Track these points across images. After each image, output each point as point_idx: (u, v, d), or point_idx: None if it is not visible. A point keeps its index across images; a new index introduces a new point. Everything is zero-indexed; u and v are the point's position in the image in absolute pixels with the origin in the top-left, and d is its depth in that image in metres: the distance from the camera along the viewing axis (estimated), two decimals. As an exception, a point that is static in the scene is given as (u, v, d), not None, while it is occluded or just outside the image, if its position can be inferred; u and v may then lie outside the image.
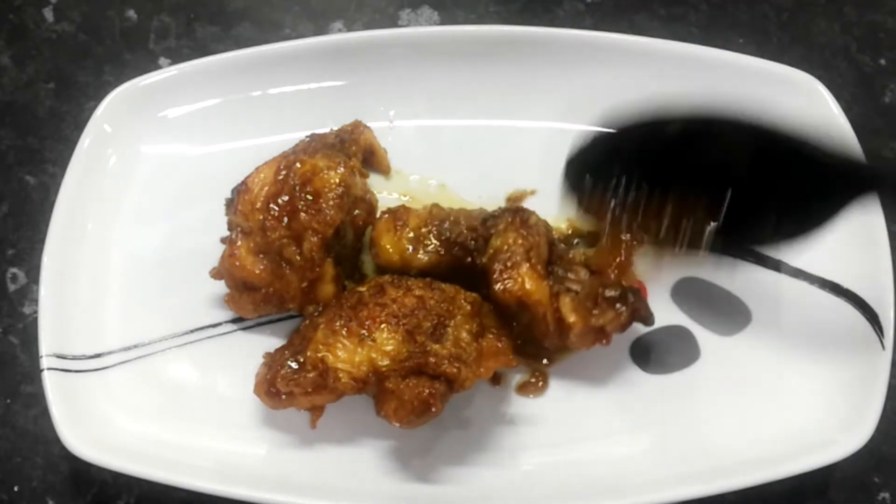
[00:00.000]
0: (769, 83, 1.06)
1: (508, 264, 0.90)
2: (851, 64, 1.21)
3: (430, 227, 0.97)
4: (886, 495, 0.96)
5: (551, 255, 0.95)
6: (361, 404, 0.90)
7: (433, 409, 0.83)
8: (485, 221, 0.96)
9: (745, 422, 0.93)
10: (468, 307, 0.90)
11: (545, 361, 0.97)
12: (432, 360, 0.84)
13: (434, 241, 0.96)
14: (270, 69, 1.08)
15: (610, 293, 0.91)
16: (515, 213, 0.94)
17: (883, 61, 1.22)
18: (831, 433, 0.89)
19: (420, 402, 0.82)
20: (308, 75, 1.09)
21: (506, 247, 0.91)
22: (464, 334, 0.88)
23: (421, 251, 0.96)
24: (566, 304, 0.89)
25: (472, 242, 0.95)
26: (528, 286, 0.88)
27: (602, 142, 0.90)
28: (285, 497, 0.85)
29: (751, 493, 0.87)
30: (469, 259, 0.95)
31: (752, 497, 0.90)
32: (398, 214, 0.99)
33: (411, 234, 0.96)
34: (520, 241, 0.91)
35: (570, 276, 0.93)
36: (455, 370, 0.83)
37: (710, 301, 1.00)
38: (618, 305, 0.90)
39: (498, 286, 0.89)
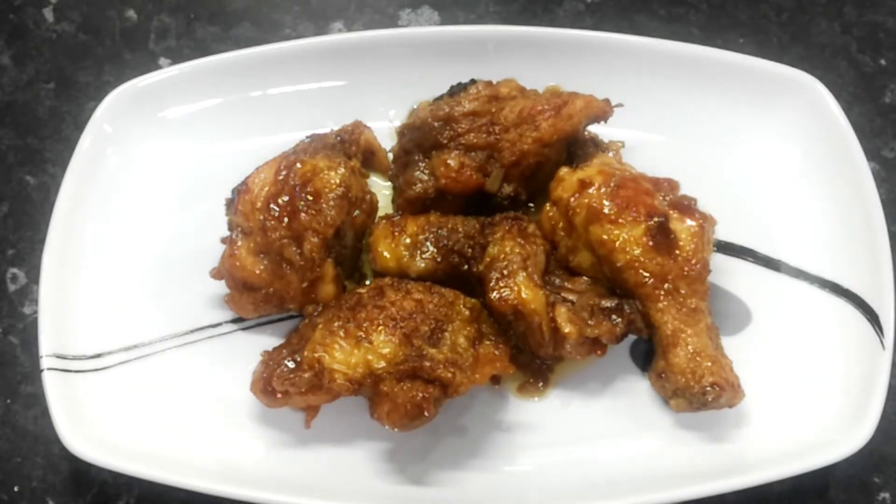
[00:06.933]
0: (769, 83, 1.06)
1: (505, 273, 0.89)
2: (851, 64, 1.21)
3: (427, 234, 0.96)
4: (886, 495, 0.96)
5: (548, 264, 0.95)
6: (362, 406, 0.90)
7: (426, 414, 0.82)
8: (482, 229, 0.96)
9: (745, 422, 0.93)
10: (467, 312, 0.90)
11: (543, 366, 0.97)
12: (428, 364, 0.83)
13: (431, 248, 0.96)
14: (270, 69, 1.09)
15: (606, 304, 0.91)
16: (514, 222, 0.94)
17: (883, 61, 1.22)
18: (831, 433, 0.89)
19: (413, 405, 0.82)
20: (308, 75, 1.09)
21: (503, 255, 0.91)
22: (461, 339, 0.88)
23: (418, 258, 0.96)
24: (562, 314, 0.89)
25: (470, 250, 0.95)
26: (524, 295, 0.88)
27: None
28: (284, 497, 0.85)
29: (751, 493, 0.87)
30: (466, 266, 0.95)
31: (752, 497, 0.90)
32: (396, 221, 0.98)
33: (408, 241, 0.96)
34: (517, 250, 0.91)
35: (567, 285, 0.93)
36: (450, 375, 0.83)
37: (710, 301, 1.00)
38: (613, 317, 0.90)
39: (494, 294, 0.89)
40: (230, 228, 0.96)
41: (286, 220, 0.92)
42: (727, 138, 1.08)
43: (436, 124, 0.97)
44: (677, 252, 0.91)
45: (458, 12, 1.25)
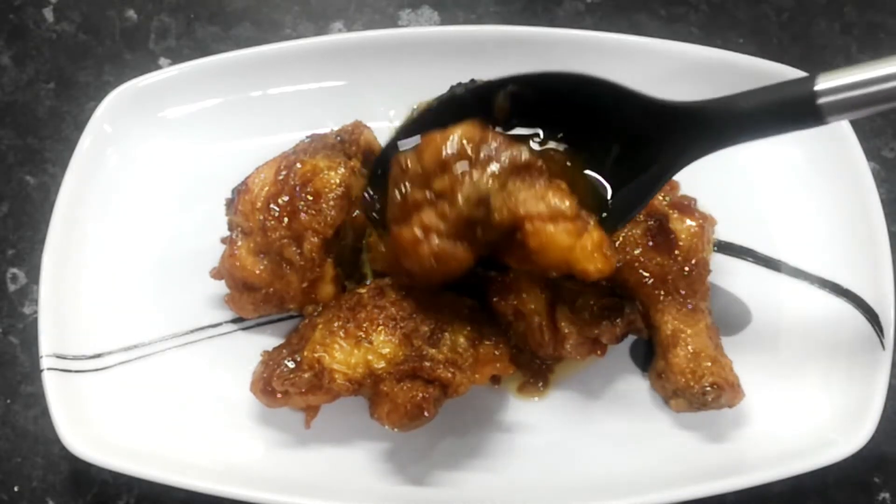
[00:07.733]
0: (769, 83, 1.06)
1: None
2: (851, 64, 1.21)
3: None
4: (886, 495, 0.96)
5: None
6: (362, 406, 0.90)
7: (426, 414, 0.83)
8: None
9: (745, 422, 0.93)
10: (467, 312, 0.90)
11: (543, 366, 0.97)
12: (427, 364, 0.83)
13: None
14: (270, 69, 1.09)
15: (606, 304, 0.91)
16: None
17: (883, 61, 1.21)
18: (831, 433, 0.89)
19: (413, 405, 0.82)
20: (308, 75, 1.09)
21: None
22: (461, 340, 0.88)
23: None
24: (562, 314, 0.89)
25: None
26: (523, 295, 0.88)
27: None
28: (284, 497, 0.85)
29: (751, 493, 0.87)
30: None
31: (752, 497, 0.90)
32: None
33: None
34: None
35: (567, 285, 0.93)
36: (450, 375, 0.83)
37: (710, 301, 1.00)
38: (613, 317, 0.90)
39: (494, 295, 0.89)
40: (230, 228, 0.96)
41: (286, 220, 0.92)
42: (727, 138, 1.08)
43: None
44: (677, 252, 0.91)
45: (458, 12, 1.25)
